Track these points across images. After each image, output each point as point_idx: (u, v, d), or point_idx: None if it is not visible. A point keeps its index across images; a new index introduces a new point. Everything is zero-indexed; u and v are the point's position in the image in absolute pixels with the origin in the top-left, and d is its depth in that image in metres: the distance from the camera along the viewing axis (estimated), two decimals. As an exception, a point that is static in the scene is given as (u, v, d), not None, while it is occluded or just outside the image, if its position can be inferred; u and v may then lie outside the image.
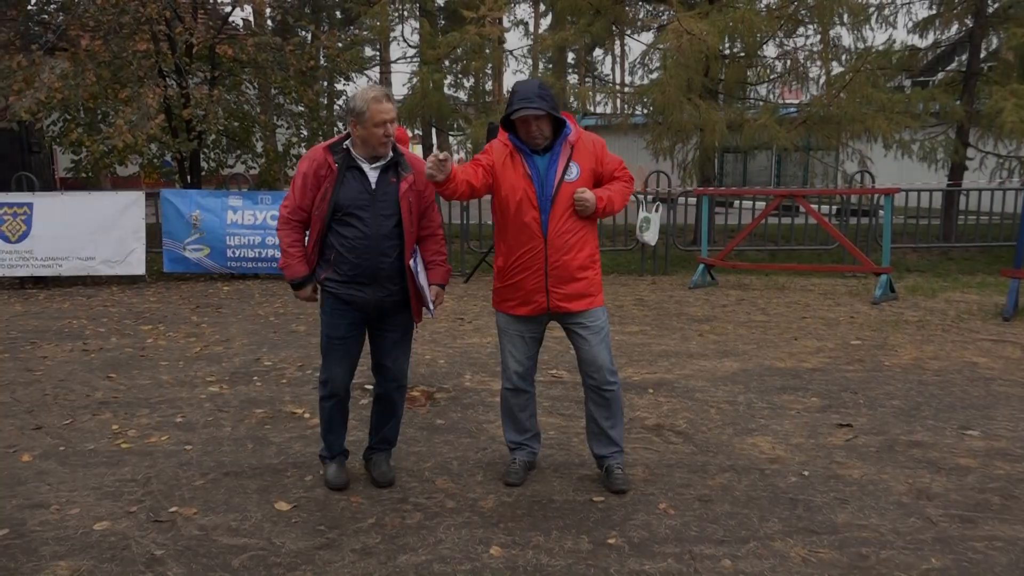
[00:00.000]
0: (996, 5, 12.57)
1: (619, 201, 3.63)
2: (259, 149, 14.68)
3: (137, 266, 9.79)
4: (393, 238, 3.52)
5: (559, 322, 3.71)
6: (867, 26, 12.27)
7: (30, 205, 9.71)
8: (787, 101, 14.90)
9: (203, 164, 14.00)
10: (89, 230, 9.70)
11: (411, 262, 3.56)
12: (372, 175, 3.52)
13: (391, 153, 3.55)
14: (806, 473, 3.91)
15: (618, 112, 13.26)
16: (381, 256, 3.50)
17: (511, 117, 3.49)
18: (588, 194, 3.50)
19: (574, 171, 3.53)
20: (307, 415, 4.82)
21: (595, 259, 3.66)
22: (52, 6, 12.65)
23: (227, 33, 13.20)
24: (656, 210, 10.05)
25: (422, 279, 3.61)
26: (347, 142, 3.55)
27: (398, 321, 3.69)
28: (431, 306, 3.68)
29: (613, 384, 3.68)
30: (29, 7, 12.57)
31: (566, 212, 3.52)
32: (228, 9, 13.42)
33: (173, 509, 3.54)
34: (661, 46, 12.03)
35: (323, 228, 3.53)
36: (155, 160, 14.72)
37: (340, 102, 15.20)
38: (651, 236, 10.07)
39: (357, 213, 3.48)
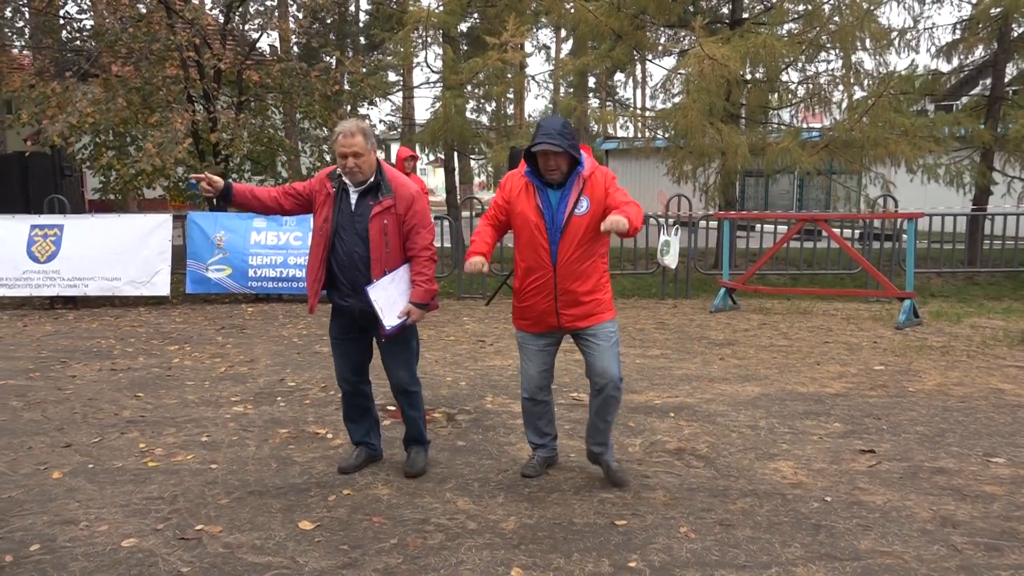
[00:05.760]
0: (1021, 29, 12.54)
1: (637, 218, 3.65)
2: (283, 173, 14.89)
3: (162, 287, 9.93)
4: (365, 255, 3.91)
5: (571, 335, 3.98)
6: (890, 51, 12.29)
7: (60, 227, 9.91)
8: (809, 125, 14.89)
9: (229, 187, 14.19)
10: (116, 251, 9.86)
11: (375, 280, 3.86)
12: (353, 197, 3.94)
13: (372, 177, 3.91)
14: (828, 499, 3.89)
15: (639, 136, 13.33)
16: (355, 270, 3.92)
17: (532, 149, 3.75)
18: (615, 217, 3.50)
19: (584, 205, 3.78)
20: (330, 435, 4.88)
21: (602, 282, 3.91)
22: (85, 34, 12.98)
23: (254, 59, 13.46)
24: (675, 233, 10.08)
25: (374, 296, 3.84)
26: (339, 169, 3.97)
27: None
28: (384, 322, 3.90)
29: (619, 390, 3.93)
30: (64, 36, 12.90)
31: (575, 243, 3.76)
32: (255, 35, 13.69)
33: (199, 527, 3.59)
34: (683, 71, 12.10)
35: (327, 245, 3.92)
36: (180, 183, 15.00)
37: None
38: (671, 259, 10.11)
39: (340, 232, 3.93)
